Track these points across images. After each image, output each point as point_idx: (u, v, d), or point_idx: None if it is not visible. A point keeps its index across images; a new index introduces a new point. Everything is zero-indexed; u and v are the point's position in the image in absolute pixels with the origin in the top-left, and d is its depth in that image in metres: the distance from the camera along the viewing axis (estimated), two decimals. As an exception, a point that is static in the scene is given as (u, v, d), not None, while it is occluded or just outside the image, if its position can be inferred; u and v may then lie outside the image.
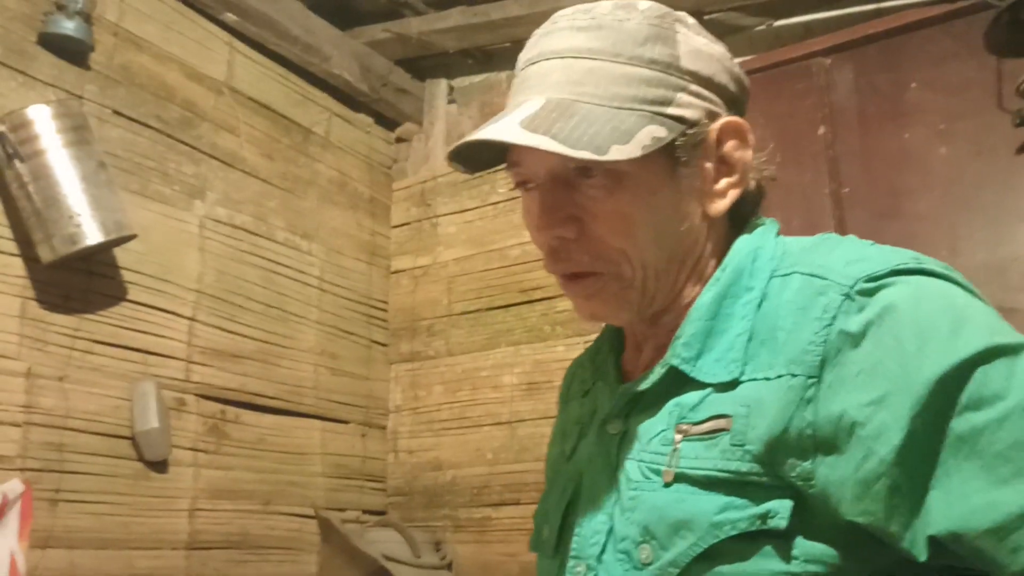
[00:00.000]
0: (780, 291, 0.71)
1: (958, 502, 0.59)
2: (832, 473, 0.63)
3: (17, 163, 1.83)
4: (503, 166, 0.81)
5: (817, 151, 2.28)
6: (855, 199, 2.22)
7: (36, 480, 1.84)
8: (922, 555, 0.61)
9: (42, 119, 1.85)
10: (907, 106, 2.19)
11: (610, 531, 0.73)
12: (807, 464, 0.64)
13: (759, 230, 0.79)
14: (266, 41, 2.55)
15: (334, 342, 2.66)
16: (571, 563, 0.76)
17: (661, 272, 0.76)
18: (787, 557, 0.64)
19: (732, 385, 0.69)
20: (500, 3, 2.63)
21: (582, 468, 0.81)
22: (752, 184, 0.80)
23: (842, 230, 2.20)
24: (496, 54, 2.87)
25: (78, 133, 1.90)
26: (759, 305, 0.72)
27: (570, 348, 2.50)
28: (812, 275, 0.69)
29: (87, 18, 2.03)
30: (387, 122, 3.01)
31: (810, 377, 0.64)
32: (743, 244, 0.77)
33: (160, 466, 2.09)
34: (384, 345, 2.84)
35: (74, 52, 2.04)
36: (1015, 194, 2.04)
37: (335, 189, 2.78)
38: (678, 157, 0.73)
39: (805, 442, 0.64)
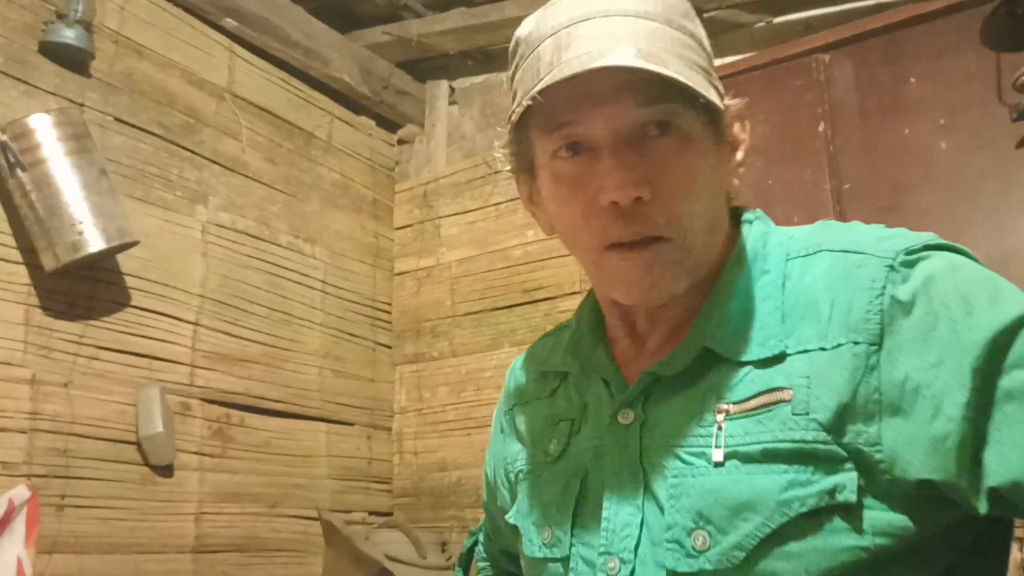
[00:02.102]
0: (805, 270, 0.73)
1: (1013, 452, 0.61)
2: (900, 435, 0.64)
3: (19, 172, 1.85)
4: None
5: (818, 147, 2.28)
6: (856, 194, 2.21)
7: (42, 486, 1.85)
8: (983, 507, 0.62)
9: (43, 128, 1.87)
10: (907, 101, 2.19)
11: (642, 523, 0.71)
12: (873, 428, 0.65)
13: (760, 216, 0.81)
14: (267, 46, 2.57)
15: (338, 345, 2.67)
16: (600, 560, 0.73)
17: (707, 243, 0.75)
18: (859, 530, 0.64)
19: (778, 359, 0.70)
20: (499, 4, 2.64)
21: (586, 464, 0.78)
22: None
23: (843, 226, 2.19)
24: (496, 55, 2.88)
25: (79, 141, 1.91)
26: (783, 285, 0.73)
27: (573, 348, 2.50)
28: (845, 251, 0.71)
29: (87, 26, 2.05)
30: (389, 124, 3.02)
31: (872, 344, 0.66)
32: (755, 229, 0.78)
33: (166, 470, 2.10)
34: (388, 347, 2.85)
35: (75, 60, 2.06)
36: (1016, 187, 2.03)
37: (338, 192, 2.79)
38: (720, 127, 0.75)
39: (871, 407, 0.65)
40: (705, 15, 2.57)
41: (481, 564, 1.09)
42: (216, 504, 2.21)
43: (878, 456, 0.64)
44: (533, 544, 0.82)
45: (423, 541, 2.35)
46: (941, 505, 0.64)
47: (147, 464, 2.06)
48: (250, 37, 2.52)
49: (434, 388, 2.76)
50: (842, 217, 2.20)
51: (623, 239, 0.72)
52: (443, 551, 2.43)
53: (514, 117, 0.73)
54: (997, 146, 2.05)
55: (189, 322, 2.23)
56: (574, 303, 2.55)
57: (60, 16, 2.02)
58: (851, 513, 0.64)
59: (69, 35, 2.00)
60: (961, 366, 0.63)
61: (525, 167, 0.80)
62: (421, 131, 3.03)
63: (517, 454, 0.90)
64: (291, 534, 2.40)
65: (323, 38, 2.70)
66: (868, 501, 0.64)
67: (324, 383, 2.60)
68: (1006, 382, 0.62)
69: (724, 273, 0.76)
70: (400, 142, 3.06)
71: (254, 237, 2.46)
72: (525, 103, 0.70)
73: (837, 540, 0.64)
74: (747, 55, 2.47)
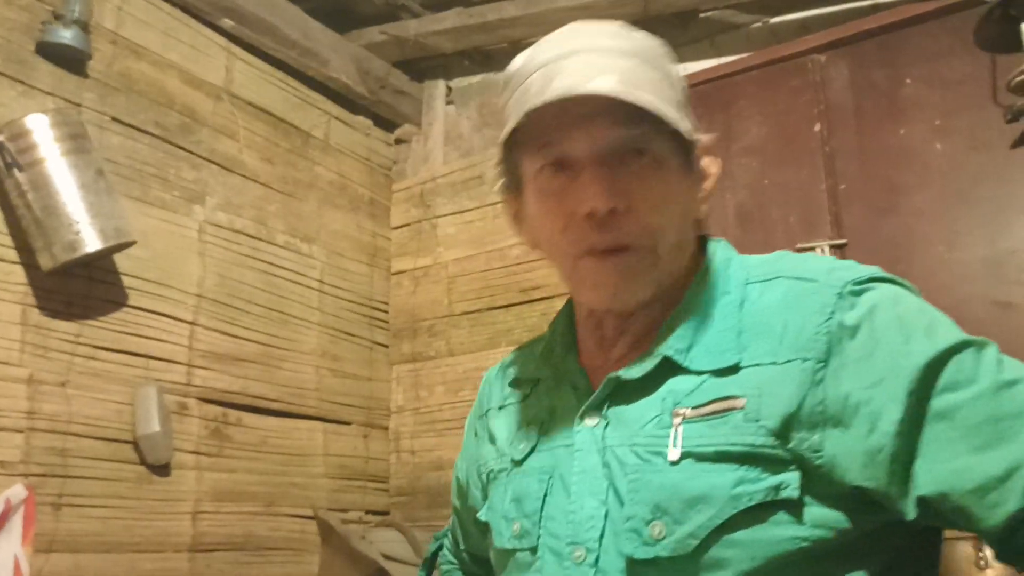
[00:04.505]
0: (762, 294, 0.81)
1: (941, 467, 0.68)
2: (840, 445, 0.71)
3: (16, 172, 1.85)
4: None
5: (813, 148, 2.29)
6: (851, 195, 2.22)
7: (39, 485, 1.86)
8: (911, 514, 0.69)
9: (40, 128, 1.87)
10: (903, 102, 2.19)
11: (606, 515, 0.77)
12: (815, 437, 0.72)
13: (723, 244, 0.89)
14: (264, 46, 2.57)
15: (335, 344, 2.68)
16: (567, 549, 0.79)
17: (674, 258, 0.83)
18: (800, 523, 0.71)
19: (732, 371, 0.77)
20: (496, 4, 2.64)
21: (554, 462, 0.84)
22: None
23: (839, 226, 2.20)
24: (493, 55, 2.88)
25: (76, 141, 1.92)
26: (740, 306, 0.81)
27: (570, 347, 2.51)
28: (800, 279, 0.79)
29: (84, 27, 2.05)
30: (386, 124, 3.02)
31: (819, 361, 0.73)
32: (719, 255, 0.87)
33: (162, 470, 2.11)
34: (385, 346, 2.86)
35: (72, 60, 2.06)
36: (1011, 189, 2.04)
37: (335, 192, 2.79)
38: (691, 158, 0.83)
39: (815, 417, 0.72)
40: (701, 15, 2.58)
41: (446, 567, 1.16)
42: (213, 503, 2.22)
43: (818, 461, 0.72)
44: (503, 536, 0.87)
45: (419, 540, 2.36)
46: (874, 508, 0.72)
47: (144, 463, 2.07)
48: (247, 37, 2.52)
49: (431, 387, 2.76)
50: (837, 217, 2.21)
51: (597, 246, 0.80)
52: (439, 550, 2.44)
53: (504, 136, 0.81)
54: (992, 148, 2.06)
55: (186, 321, 2.24)
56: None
57: (57, 16, 2.02)
58: (793, 508, 0.71)
59: (66, 35, 2.01)
60: (897, 387, 0.70)
61: (513, 186, 0.88)
62: (418, 131, 3.03)
63: (489, 455, 0.96)
64: (288, 533, 2.40)
65: (320, 38, 2.71)
66: (808, 499, 0.72)
67: (321, 382, 2.60)
68: (936, 403, 0.70)
69: (688, 291, 0.84)
70: (397, 142, 3.06)
71: (251, 237, 2.47)
72: (516, 122, 0.78)
73: (780, 531, 0.71)
74: (743, 55, 2.47)
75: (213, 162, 2.40)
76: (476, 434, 1.03)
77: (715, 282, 0.84)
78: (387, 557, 2.23)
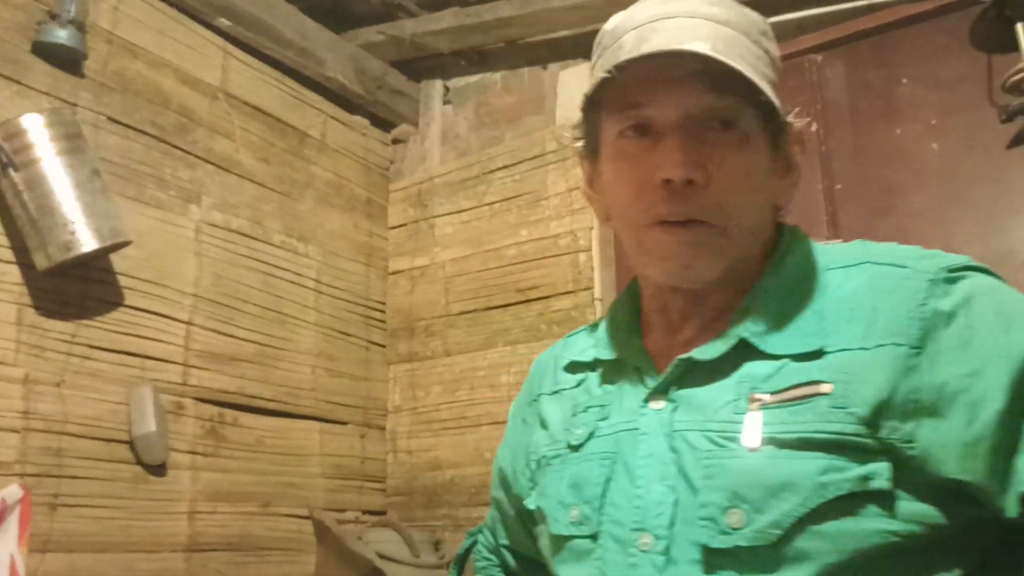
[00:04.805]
0: (846, 280, 0.77)
1: None
2: (935, 435, 0.68)
3: (11, 172, 1.85)
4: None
5: (810, 148, 2.28)
6: (848, 196, 2.22)
7: (35, 485, 1.86)
8: (1012, 511, 0.67)
9: (36, 128, 1.87)
10: (899, 102, 2.19)
11: (675, 502, 0.74)
12: (908, 426, 0.69)
13: (799, 230, 0.86)
14: (260, 45, 2.57)
15: (332, 344, 2.67)
16: (633, 536, 0.75)
17: (748, 240, 0.80)
18: (890, 515, 0.68)
19: (816, 355, 0.73)
20: (493, 4, 2.64)
21: (616, 447, 0.81)
22: None
23: (835, 226, 2.20)
24: (490, 54, 2.88)
25: (72, 141, 1.92)
26: (821, 291, 0.78)
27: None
28: (889, 264, 0.76)
29: (80, 26, 2.05)
30: (383, 124, 3.02)
31: (913, 347, 0.70)
32: (796, 240, 0.84)
33: (158, 469, 2.11)
34: (382, 346, 2.86)
35: (68, 60, 2.06)
36: (1007, 189, 2.04)
37: (332, 191, 2.79)
38: (779, 140, 0.80)
39: (908, 405, 0.69)
40: (698, 15, 2.57)
41: (481, 563, 1.11)
42: (209, 503, 2.22)
43: (911, 452, 0.69)
44: (559, 523, 0.83)
45: (416, 540, 2.36)
46: (969, 503, 0.69)
47: (140, 463, 2.07)
48: (244, 36, 2.52)
49: (428, 387, 2.76)
50: (833, 217, 2.21)
51: (668, 217, 0.77)
52: (436, 550, 2.44)
53: (588, 92, 0.78)
54: (988, 148, 2.06)
55: (182, 321, 2.24)
56: (567, 303, 2.56)
57: (53, 16, 2.02)
58: (884, 500, 0.68)
59: (62, 35, 2.00)
60: (999, 377, 0.68)
61: (590, 150, 0.85)
62: (415, 130, 3.03)
63: (540, 442, 0.92)
64: (284, 533, 2.40)
65: (317, 37, 2.70)
66: (899, 491, 0.68)
67: (318, 382, 2.60)
68: None
69: (765, 275, 0.81)
70: (394, 141, 3.06)
71: (247, 236, 2.47)
72: (601, 76, 0.75)
73: (870, 523, 0.68)
74: (740, 56, 2.47)
75: (209, 162, 2.40)
76: (524, 421, 0.99)
77: (793, 267, 0.81)
78: (383, 557, 2.23)
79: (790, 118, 0.80)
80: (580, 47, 2.67)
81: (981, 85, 2.06)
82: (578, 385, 0.91)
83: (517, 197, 2.70)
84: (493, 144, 2.83)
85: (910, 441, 0.69)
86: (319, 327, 2.64)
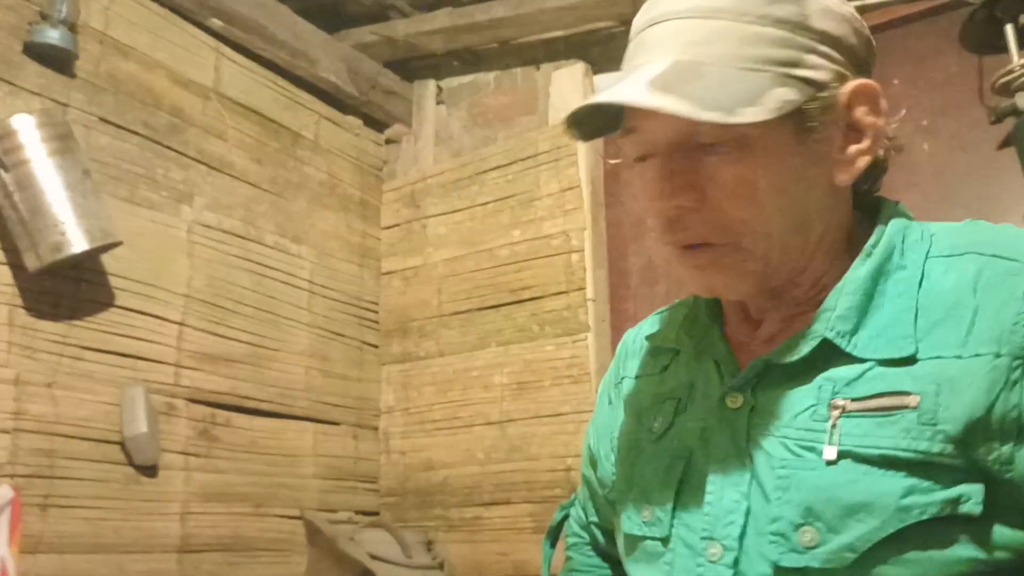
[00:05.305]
0: (948, 271, 0.70)
1: None
2: None
3: (2, 173, 1.85)
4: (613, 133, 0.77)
5: (802, 148, 2.29)
6: (839, 196, 2.22)
7: (26, 486, 1.85)
8: None
9: (26, 129, 1.86)
10: (890, 102, 2.18)
11: (748, 511, 0.70)
12: (1007, 448, 0.62)
13: (900, 208, 0.79)
14: (253, 46, 2.56)
15: (325, 344, 2.67)
16: (702, 544, 0.72)
17: (787, 243, 0.73)
18: (981, 543, 0.62)
19: (907, 361, 0.67)
20: (486, 4, 2.64)
21: (691, 444, 0.77)
22: (880, 153, 0.77)
23: (827, 227, 2.21)
24: (483, 55, 2.88)
25: (63, 142, 1.91)
26: (919, 284, 0.71)
27: (559, 347, 2.51)
28: (997, 256, 0.69)
29: (72, 27, 2.05)
30: (376, 124, 3.02)
31: (1016, 358, 0.63)
32: (894, 221, 0.76)
33: (150, 470, 2.11)
34: (375, 346, 2.86)
35: (59, 61, 2.06)
36: (998, 189, 2.05)
37: (325, 192, 2.79)
38: (807, 121, 0.71)
39: (1009, 425, 0.62)
40: (691, 16, 2.58)
41: (573, 540, 1.08)
42: (201, 504, 2.22)
43: (1008, 475, 0.63)
44: (632, 521, 0.81)
45: (408, 540, 2.36)
46: None
47: (132, 464, 2.07)
48: (236, 37, 2.52)
49: (421, 388, 2.76)
50: (825, 218, 2.21)
51: (677, 244, 0.74)
52: (429, 550, 2.44)
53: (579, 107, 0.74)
54: (979, 148, 2.07)
55: (174, 322, 2.24)
56: (561, 302, 2.56)
57: (44, 16, 2.01)
58: (974, 525, 0.62)
59: (53, 35, 2.00)
60: None
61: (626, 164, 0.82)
62: (408, 131, 3.03)
63: (622, 427, 0.89)
64: (277, 534, 2.40)
65: (310, 38, 2.70)
66: (992, 516, 0.63)
67: (311, 383, 2.60)
68: None
69: (853, 265, 0.73)
70: (387, 142, 3.06)
71: (240, 237, 2.47)
72: (574, 115, 0.73)
73: (957, 551, 0.62)
74: (732, 56, 2.48)
75: (201, 162, 2.40)
76: (610, 401, 0.96)
77: (887, 255, 0.73)
78: (375, 558, 2.23)
79: (850, 83, 0.71)
80: (573, 48, 2.68)
81: (971, 86, 2.07)
82: (662, 371, 0.87)
83: (510, 197, 2.70)
84: (486, 144, 2.83)
85: (1008, 464, 0.62)
86: (312, 327, 2.64)
